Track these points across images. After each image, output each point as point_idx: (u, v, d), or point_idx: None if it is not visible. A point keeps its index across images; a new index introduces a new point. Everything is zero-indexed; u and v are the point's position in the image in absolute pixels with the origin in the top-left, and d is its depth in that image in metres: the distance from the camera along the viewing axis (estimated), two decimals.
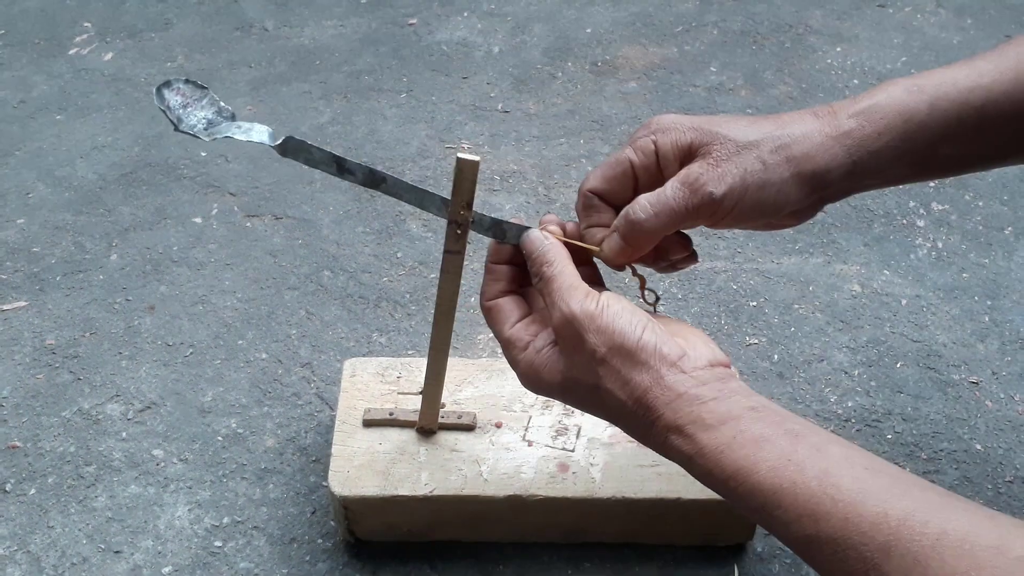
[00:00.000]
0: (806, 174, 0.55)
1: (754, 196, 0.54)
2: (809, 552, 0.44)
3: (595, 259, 0.59)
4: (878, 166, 0.56)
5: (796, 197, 0.55)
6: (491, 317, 0.57)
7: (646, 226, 0.54)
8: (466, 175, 0.57)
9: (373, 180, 0.58)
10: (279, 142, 0.57)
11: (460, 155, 0.57)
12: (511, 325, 0.56)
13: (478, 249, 0.97)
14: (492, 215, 0.59)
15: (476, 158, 0.57)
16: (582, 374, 0.52)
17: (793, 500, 0.45)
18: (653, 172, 0.56)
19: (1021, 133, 0.57)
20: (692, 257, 0.60)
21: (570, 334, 0.52)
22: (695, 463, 0.48)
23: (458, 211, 0.58)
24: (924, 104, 0.55)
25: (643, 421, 0.51)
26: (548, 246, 0.55)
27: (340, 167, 0.57)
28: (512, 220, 0.58)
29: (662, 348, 0.50)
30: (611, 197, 0.57)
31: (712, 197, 0.53)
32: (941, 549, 0.40)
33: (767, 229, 0.60)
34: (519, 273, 0.58)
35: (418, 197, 0.58)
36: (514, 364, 0.55)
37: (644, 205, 0.54)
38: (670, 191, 0.54)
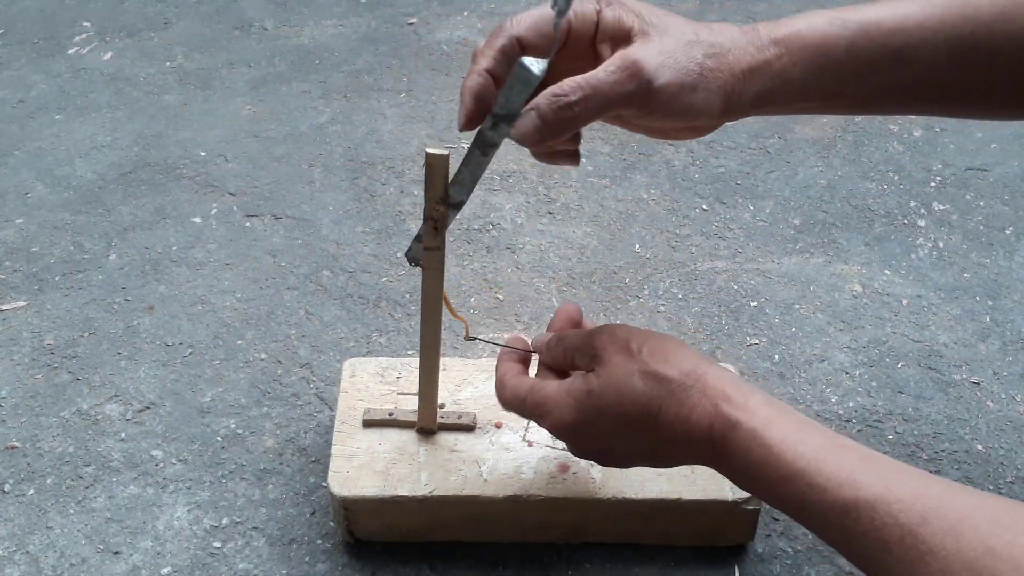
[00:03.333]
0: (731, 91, 0.54)
1: (687, 97, 0.52)
2: (843, 522, 0.45)
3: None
4: (787, 95, 0.56)
5: (712, 109, 0.54)
6: (507, 384, 0.59)
7: (576, 109, 0.50)
8: (436, 170, 0.57)
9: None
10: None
11: (428, 150, 0.56)
12: (537, 381, 0.58)
13: (478, 249, 0.97)
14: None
15: (445, 152, 0.56)
16: (626, 371, 0.53)
17: (836, 468, 0.46)
18: (584, 44, 0.53)
19: (933, 81, 0.57)
20: (575, 157, 0.58)
21: (619, 339, 0.54)
22: (738, 430, 0.49)
23: (433, 206, 0.58)
24: (844, 41, 0.55)
25: (694, 390, 0.51)
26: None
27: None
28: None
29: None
30: (534, 52, 0.52)
31: (651, 86, 0.50)
32: (977, 518, 0.41)
33: (661, 137, 0.59)
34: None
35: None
36: (543, 402, 0.56)
37: (574, 86, 0.50)
38: (603, 74, 0.50)
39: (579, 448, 0.58)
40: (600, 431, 0.55)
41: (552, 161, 0.58)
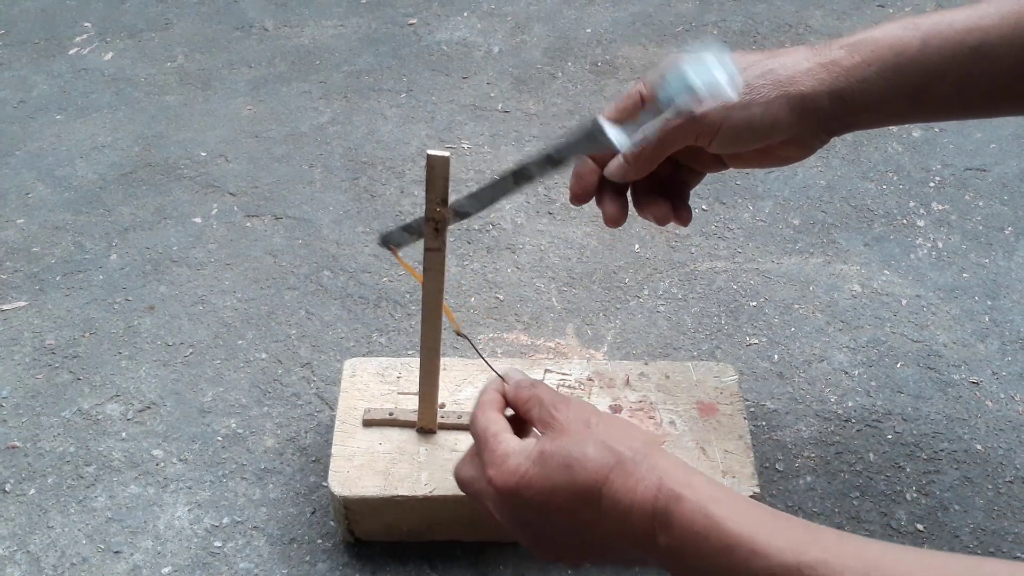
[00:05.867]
0: (794, 96, 0.57)
1: (739, 116, 0.57)
2: None
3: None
4: (870, 97, 0.58)
5: (787, 120, 0.58)
6: (484, 412, 0.58)
7: (643, 144, 0.59)
8: (438, 172, 0.57)
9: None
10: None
11: (430, 152, 0.57)
12: (507, 429, 0.56)
13: (478, 249, 0.97)
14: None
15: (446, 154, 0.57)
16: (581, 438, 0.53)
17: (779, 535, 0.46)
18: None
19: (1018, 78, 0.58)
20: (681, 214, 0.64)
21: (582, 413, 0.55)
22: (683, 502, 0.48)
23: (434, 208, 0.59)
24: (917, 40, 0.57)
25: (643, 465, 0.51)
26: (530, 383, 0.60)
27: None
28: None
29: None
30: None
31: (692, 115, 0.57)
32: (918, 573, 0.42)
33: (775, 163, 0.63)
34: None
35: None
36: (501, 452, 0.54)
37: (643, 127, 0.59)
38: (663, 116, 0.58)
39: (511, 518, 0.54)
40: (540, 503, 0.52)
41: (656, 212, 0.64)
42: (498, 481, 0.53)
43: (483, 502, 0.56)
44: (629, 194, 0.64)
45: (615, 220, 0.63)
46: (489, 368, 0.63)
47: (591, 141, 0.58)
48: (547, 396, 0.57)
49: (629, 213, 0.64)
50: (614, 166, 0.61)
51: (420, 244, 0.62)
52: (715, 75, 0.53)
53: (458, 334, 0.66)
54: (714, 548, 0.47)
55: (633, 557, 0.52)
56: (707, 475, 0.51)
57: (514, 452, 0.54)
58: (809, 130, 0.59)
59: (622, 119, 0.61)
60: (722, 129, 0.58)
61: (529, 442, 0.54)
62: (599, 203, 0.64)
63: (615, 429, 0.54)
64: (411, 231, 0.62)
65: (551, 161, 0.58)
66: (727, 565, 0.46)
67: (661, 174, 0.63)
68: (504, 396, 0.59)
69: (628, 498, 0.50)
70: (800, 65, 0.58)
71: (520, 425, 0.58)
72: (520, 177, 0.59)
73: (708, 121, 0.57)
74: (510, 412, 0.59)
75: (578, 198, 0.64)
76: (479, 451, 0.56)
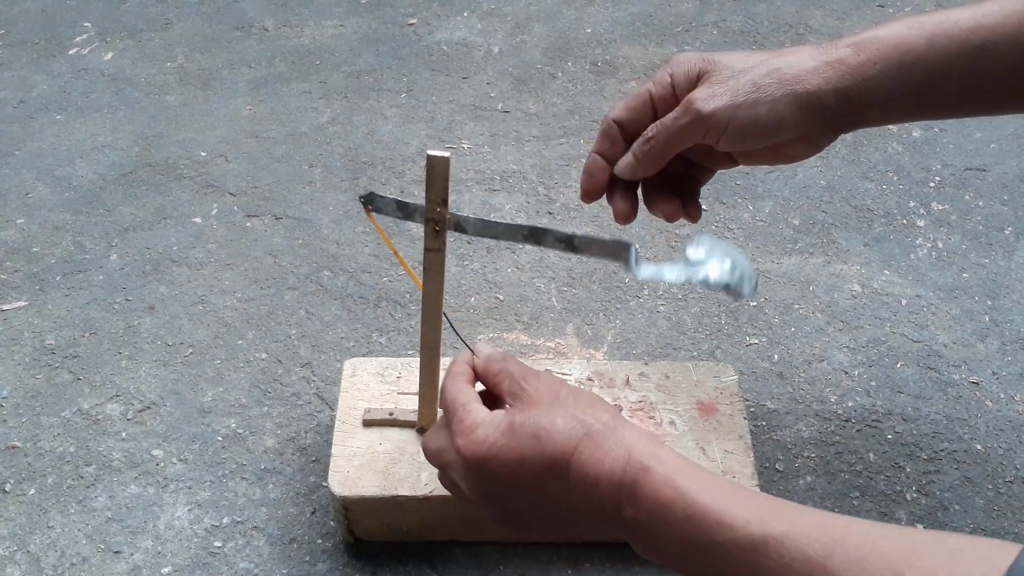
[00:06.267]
0: (800, 94, 0.58)
1: (746, 114, 0.58)
2: (751, 559, 0.44)
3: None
4: (876, 95, 0.59)
5: (793, 118, 0.59)
6: (454, 383, 0.58)
7: (652, 142, 0.60)
8: (438, 172, 0.58)
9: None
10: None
11: (430, 152, 0.57)
12: (476, 400, 0.56)
13: (478, 249, 0.97)
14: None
15: (447, 154, 0.57)
16: (550, 409, 0.53)
17: (744, 507, 0.46)
18: (670, 102, 0.61)
19: (1023, 76, 0.58)
20: (691, 211, 0.65)
21: (551, 386, 0.55)
22: (650, 473, 0.48)
23: (434, 208, 0.59)
24: (922, 39, 0.58)
25: (611, 437, 0.51)
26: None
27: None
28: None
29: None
30: (631, 126, 0.62)
31: (700, 114, 0.58)
32: (882, 546, 0.42)
33: (783, 160, 0.63)
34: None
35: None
36: (470, 422, 0.54)
37: (652, 126, 0.61)
38: (670, 114, 0.60)
39: (478, 490, 0.54)
40: (508, 474, 0.52)
41: (665, 209, 0.65)
42: (466, 451, 0.53)
43: (450, 474, 0.56)
44: (639, 191, 0.65)
45: (626, 216, 0.64)
46: (462, 342, 0.63)
47: (613, 251, 0.60)
48: (517, 369, 0.57)
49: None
50: (624, 163, 0.62)
51: (420, 245, 0.62)
52: (746, 277, 0.59)
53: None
54: (679, 519, 0.47)
55: (600, 531, 0.52)
56: (672, 449, 0.51)
57: (483, 422, 0.53)
58: (816, 128, 0.60)
59: (632, 118, 0.62)
60: (729, 127, 0.58)
61: (498, 413, 0.54)
62: (609, 200, 0.64)
63: (584, 402, 0.53)
64: (400, 207, 0.62)
65: (569, 243, 0.60)
66: (692, 537, 0.46)
67: (671, 171, 0.63)
68: (474, 370, 0.59)
69: (596, 470, 0.50)
70: (806, 64, 0.58)
71: (492, 402, 0.58)
72: (532, 236, 0.60)
73: (716, 120, 0.58)
74: (481, 387, 0.59)
75: (589, 195, 0.64)
76: (448, 421, 0.55)
